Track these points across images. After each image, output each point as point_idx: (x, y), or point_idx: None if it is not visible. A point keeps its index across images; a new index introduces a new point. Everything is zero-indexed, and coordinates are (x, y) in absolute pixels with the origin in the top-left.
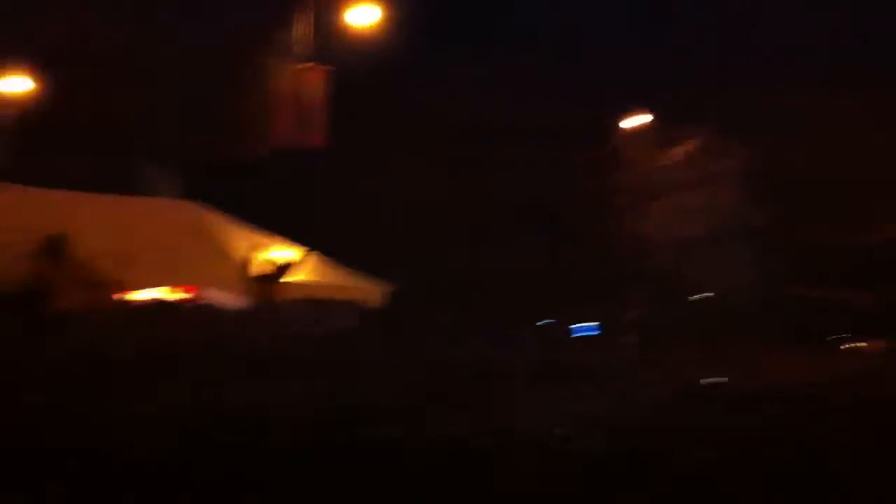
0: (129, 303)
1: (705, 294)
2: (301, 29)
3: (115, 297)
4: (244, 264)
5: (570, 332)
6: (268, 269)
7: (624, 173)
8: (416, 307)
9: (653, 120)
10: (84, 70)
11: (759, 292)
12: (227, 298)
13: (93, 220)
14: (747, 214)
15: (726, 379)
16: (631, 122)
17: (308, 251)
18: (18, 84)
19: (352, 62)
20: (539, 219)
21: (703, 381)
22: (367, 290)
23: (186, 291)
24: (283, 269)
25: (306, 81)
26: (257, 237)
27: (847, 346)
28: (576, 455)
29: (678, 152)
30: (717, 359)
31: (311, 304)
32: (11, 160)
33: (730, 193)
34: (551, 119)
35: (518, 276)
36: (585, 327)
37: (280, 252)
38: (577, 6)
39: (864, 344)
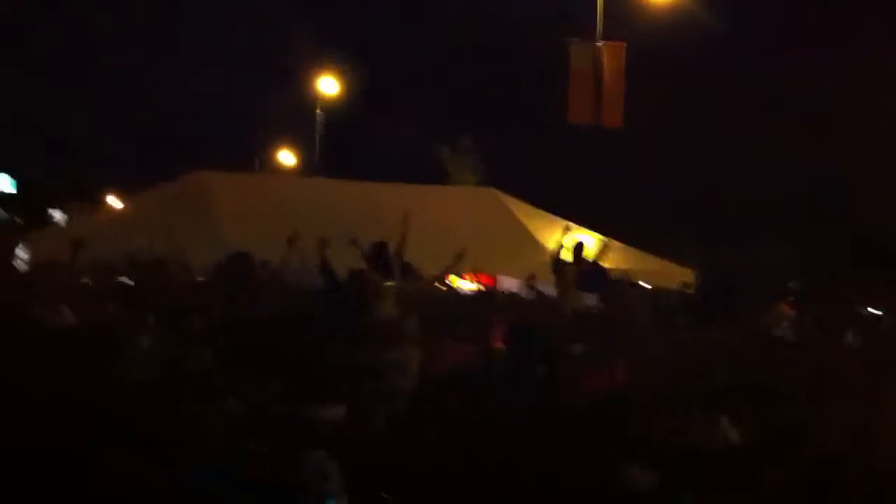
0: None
1: None
2: (598, 7)
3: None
4: (544, 251)
5: None
6: (567, 255)
7: None
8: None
9: None
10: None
11: None
12: (525, 286)
13: (402, 209)
14: None
15: None
16: None
17: (607, 238)
18: (329, 85)
19: (650, 38)
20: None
21: None
22: (676, 275)
23: (483, 281)
24: (579, 252)
25: (603, 59)
26: (557, 223)
27: None
28: None
29: None
30: None
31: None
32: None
33: None
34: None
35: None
36: None
37: (579, 237)
38: None
39: None
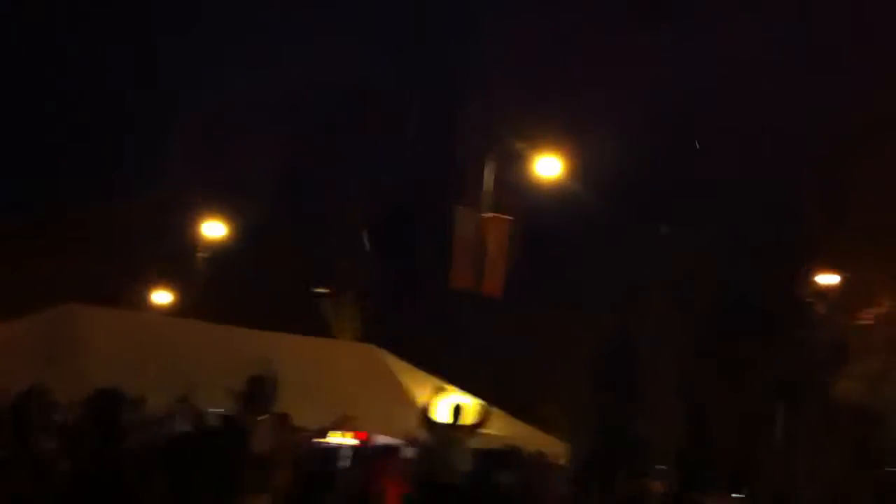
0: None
1: None
2: (486, 179)
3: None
4: (420, 409)
5: None
6: (444, 415)
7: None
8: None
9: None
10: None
11: None
12: (399, 442)
13: (282, 360)
14: None
15: None
16: (824, 279)
17: (485, 404)
18: (214, 228)
19: (535, 213)
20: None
21: None
22: (548, 445)
23: (358, 437)
24: (457, 414)
25: (488, 230)
26: (433, 382)
27: None
28: None
29: (871, 314)
30: None
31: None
32: (203, 299)
33: None
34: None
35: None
36: None
37: (456, 399)
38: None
39: None
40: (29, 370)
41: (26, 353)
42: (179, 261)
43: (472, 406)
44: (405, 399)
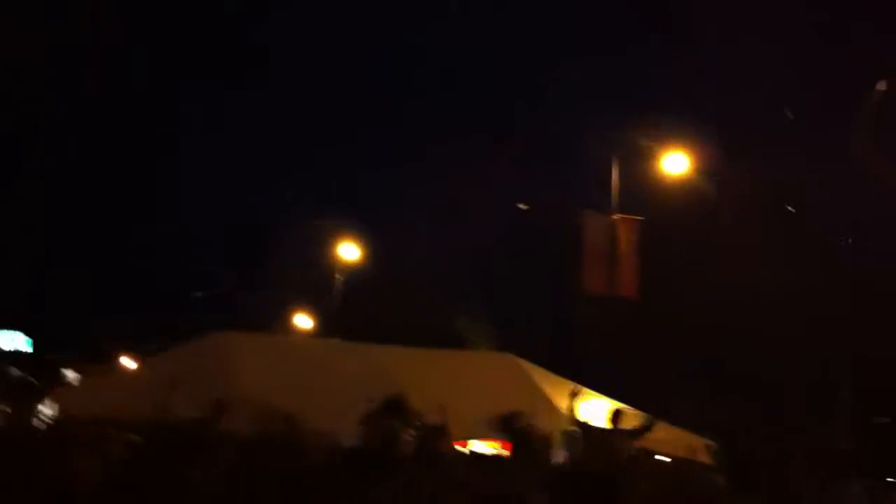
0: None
1: None
2: (611, 181)
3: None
4: (568, 415)
5: None
6: (596, 420)
7: None
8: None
9: None
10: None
11: None
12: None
13: (421, 373)
14: None
15: None
16: None
17: (621, 405)
18: (350, 251)
19: (662, 212)
20: None
21: None
22: (690, 445)
23: (505, 447)
24: (617, 419)
25: (619, 231)
26: (572, 387)
27: None
28: None
29: None
30: None
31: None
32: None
33: None
34: None
35: None
36: None
37: (598, 402)
38: None
39: None
40: (188, 395)
41: (185, 380)
42: (319, 284)
43: (632, 412)
44: (548, 406)
